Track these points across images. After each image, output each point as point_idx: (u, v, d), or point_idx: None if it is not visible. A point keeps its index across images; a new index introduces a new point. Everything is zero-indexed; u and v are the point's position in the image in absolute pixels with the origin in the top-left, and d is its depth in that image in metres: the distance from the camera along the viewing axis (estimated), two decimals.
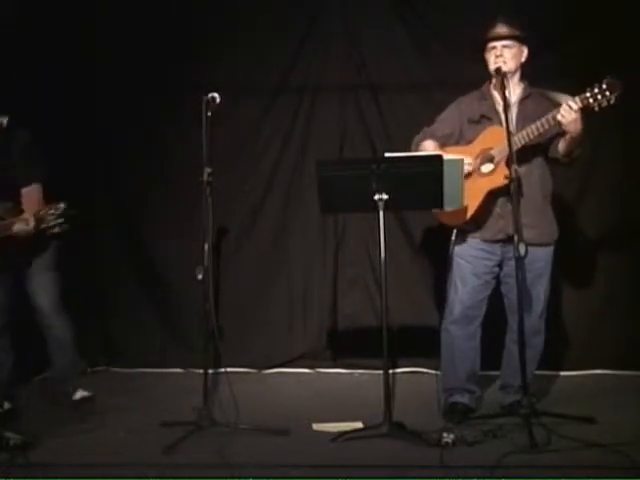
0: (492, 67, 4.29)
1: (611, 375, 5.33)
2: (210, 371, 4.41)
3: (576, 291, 5.47)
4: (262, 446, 3.97)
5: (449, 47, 5.44)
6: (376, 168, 4.07)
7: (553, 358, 5.09)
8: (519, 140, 4.16)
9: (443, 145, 4.40)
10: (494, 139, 4.23)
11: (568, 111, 4.06)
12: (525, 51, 4.33)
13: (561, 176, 4.78)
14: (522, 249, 3.91)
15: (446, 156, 4.13)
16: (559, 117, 4.08)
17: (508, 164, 4.07)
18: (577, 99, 4.07)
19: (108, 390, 5.18)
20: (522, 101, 4.36)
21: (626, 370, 5.32)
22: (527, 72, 4.40)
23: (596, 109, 4.07)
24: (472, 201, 4.28)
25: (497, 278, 4.43)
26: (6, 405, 4.59)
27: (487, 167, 4.29)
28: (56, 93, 5.56)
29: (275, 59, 5.73)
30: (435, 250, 5.30)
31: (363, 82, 5.69)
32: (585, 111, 4.09)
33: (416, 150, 4.45)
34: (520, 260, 3.97)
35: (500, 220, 4.29)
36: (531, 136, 4.16)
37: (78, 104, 5.70)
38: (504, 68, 4.24)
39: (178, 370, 5.67)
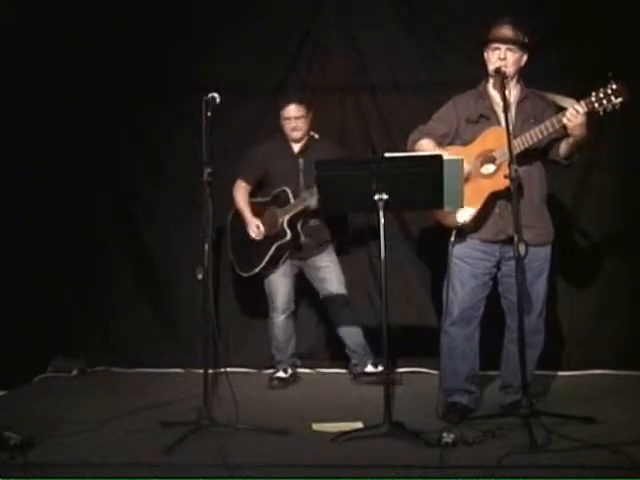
0: (493, 67, 4.27)
1: (611, 375, 5.32)
2: (210, 371, 4.40)
3: (576, 291, 5.47)
4: (262, 446, 3.96)
5: (449, 47, 5.44)
6: (376, 168, 4.06)
7: (553, 358, 5.09)
8: (522, 143, 4.15)
9: (440, 144, 4.37)
10: (496, 140, 4.21)
11: (575, 115, 4.05)
12: (525, 57, 4.31)
13: (561, 176, 4.79)
14: (522, 249, 3.92)
15: (446, 156, 4.12)
16: (565, 121, 4.07)
17: (510, 165, 4.06)
18: (582, 103, 4.06)
19: (108, 390, 5.18)
20: (520, 102, 4.34)
21: (626, 370, 5.32)
22: (527, 72, 4.39)
23: (601, 113, 4.06)
24: (475, 202, 4.26)
25: (494, 279, 4.44)
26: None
27: (488, 168, 4.28)
28: (56, 94, 5.57)
29: (275, 59, 5.73)
30: (435, 250, 5.28)
31: (363, 82, 5.69)
32: (590, 115, 4.07)
33: (413, 148, 4.43)
34: (520, 260, 3.98)
35: (500, 221, 4.28)
36: (535, 139, 4.15)
37: (78, 104, 5.71)
38: (504, 70, 4.22)
39: (178, 370, 5.67)
